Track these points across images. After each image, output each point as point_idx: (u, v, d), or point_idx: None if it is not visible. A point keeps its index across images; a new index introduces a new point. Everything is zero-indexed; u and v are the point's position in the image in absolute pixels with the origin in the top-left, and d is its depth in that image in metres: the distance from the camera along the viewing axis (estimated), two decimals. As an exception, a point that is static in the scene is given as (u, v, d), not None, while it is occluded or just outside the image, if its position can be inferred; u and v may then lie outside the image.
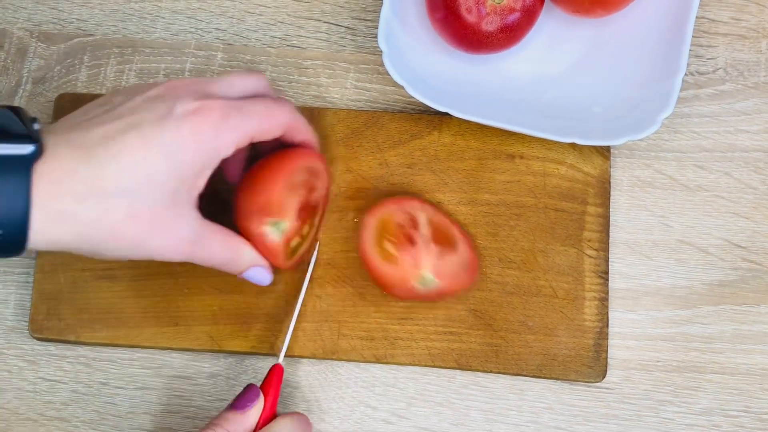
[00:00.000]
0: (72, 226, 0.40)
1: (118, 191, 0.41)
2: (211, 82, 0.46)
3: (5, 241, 0.39)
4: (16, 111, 0.41)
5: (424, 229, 0.51)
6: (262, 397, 0.47)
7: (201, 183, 0.44)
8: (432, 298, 0.51)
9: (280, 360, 0.49)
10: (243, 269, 0.47)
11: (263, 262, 0.48)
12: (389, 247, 0.50)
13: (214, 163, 0.44)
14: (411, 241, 0.51)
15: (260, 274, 0.48)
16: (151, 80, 0.57)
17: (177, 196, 0.43)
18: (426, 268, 0.50)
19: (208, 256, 0.45)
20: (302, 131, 0.49)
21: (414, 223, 0.51)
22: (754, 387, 0.53)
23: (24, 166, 0.39)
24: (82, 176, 0.40)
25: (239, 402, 0.47)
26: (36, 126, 0.41)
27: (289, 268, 0.51)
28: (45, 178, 0.39)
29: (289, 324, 0.51)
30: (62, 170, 0.40)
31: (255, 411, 0.47)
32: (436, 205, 0.53)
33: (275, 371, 0.49)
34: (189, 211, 0.44)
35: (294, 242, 0.49)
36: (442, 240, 0.51)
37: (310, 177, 0.49)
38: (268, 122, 0.46)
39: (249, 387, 0.47)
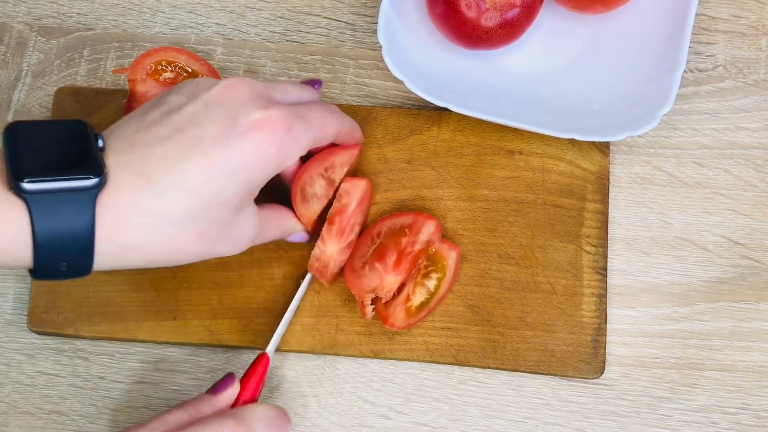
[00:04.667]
0: (139, 254, 0.40)
1: (185, 217, 0.40)
2: (270, 87, 0.45)
3: (69, 270, 0.39)
4: (83, 127, 0.40)
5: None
6: (237, 384, 0.48)
7: (262, 186, 0.44)
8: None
9: (268, 350, 0.50)
10: (287, 237, 0.50)
11: (301, 227, 0.50)
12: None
13: (276, 172, 0.44)
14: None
15: (300, 238, 0.51)
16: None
17: (241, 205, 0.43)
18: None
19: (263, 240, 0.48)
20: (351, 135, 0.50)
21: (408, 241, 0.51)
22: (753, 384, 0.53)
23: (88, 198, 0.38)
24: (147, 207, 0.39)
25: (214, 388, 0.47)
26: (99, 143, 0.40)
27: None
28: (110, 210, 0.39)
29: (282, 318, 0.51)
30: (126, 202, 0.39)
31: (227, 396, 0.47)
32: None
33: (259, 361, 0.49)
34: (250, 211, 0.45)
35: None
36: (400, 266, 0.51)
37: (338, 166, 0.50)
38: (324, 131, 0.46)
39: (227, 375, 0.48)
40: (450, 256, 0.51)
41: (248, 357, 0.53)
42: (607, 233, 0.54)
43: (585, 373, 0.52)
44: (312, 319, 0.52)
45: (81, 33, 0.58)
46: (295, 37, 0.58)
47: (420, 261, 0.51)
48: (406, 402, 0.53)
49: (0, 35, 0.58)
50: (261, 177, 0.43)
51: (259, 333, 0.52)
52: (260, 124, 0.42)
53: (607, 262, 0.53)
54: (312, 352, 0.52)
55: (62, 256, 0.38)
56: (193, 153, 0.40)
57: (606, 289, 0.53)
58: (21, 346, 0.54)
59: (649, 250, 0.55)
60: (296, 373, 0.53)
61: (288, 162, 0.44)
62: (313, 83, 0.51)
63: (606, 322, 0.53)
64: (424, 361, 0.53)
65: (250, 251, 0.53)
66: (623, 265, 0.55)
